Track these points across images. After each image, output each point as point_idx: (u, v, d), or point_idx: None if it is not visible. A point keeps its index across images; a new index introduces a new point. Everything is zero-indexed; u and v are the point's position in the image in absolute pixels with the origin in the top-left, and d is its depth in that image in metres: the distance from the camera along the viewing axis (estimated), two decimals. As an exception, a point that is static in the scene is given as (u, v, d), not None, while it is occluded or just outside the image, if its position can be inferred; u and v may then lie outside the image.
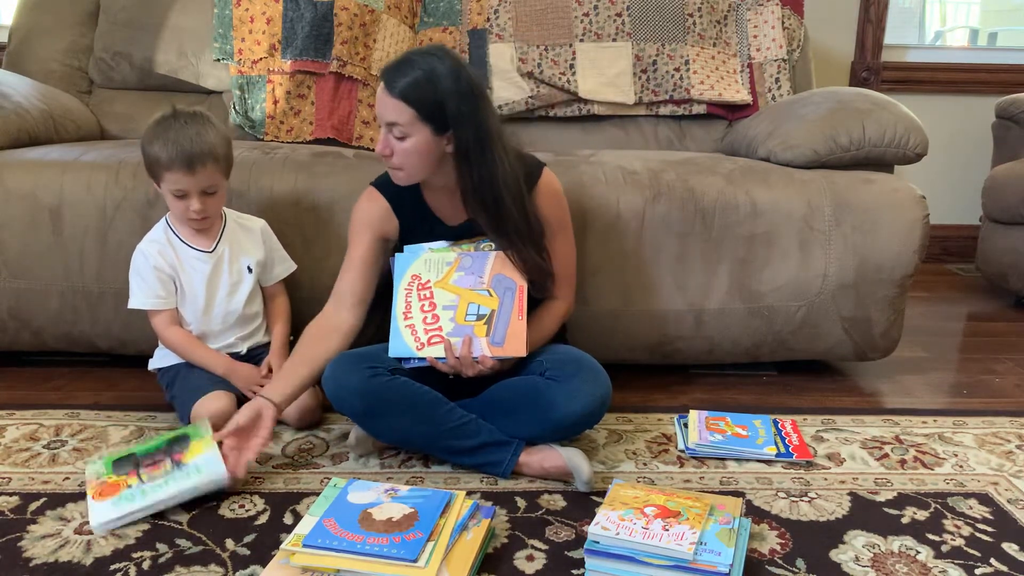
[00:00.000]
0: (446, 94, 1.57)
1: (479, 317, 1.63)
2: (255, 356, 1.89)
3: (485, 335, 1.62)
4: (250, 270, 1.87)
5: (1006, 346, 2.54)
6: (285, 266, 1.95)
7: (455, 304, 1.64)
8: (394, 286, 1.69)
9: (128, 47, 2.59)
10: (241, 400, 1.79)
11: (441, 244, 1.72)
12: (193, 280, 1.82)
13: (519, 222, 1.67)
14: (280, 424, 1.83)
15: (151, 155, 1.72)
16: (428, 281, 1.67)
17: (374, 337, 1.74)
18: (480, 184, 1.62)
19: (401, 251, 1.74)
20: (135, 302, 1.83)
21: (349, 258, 1.77)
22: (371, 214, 1.76)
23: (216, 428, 1.67)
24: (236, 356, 1.87)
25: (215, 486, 1.51)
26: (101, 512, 1.45)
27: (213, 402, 1.74)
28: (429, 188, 1.74)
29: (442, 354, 1.62)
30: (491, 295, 1.65)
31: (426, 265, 1.69)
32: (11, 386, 2.04)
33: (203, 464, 1.53)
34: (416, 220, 1.76)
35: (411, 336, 1.64)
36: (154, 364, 1.91)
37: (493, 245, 1.69)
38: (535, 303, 1.75)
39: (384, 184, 1.76)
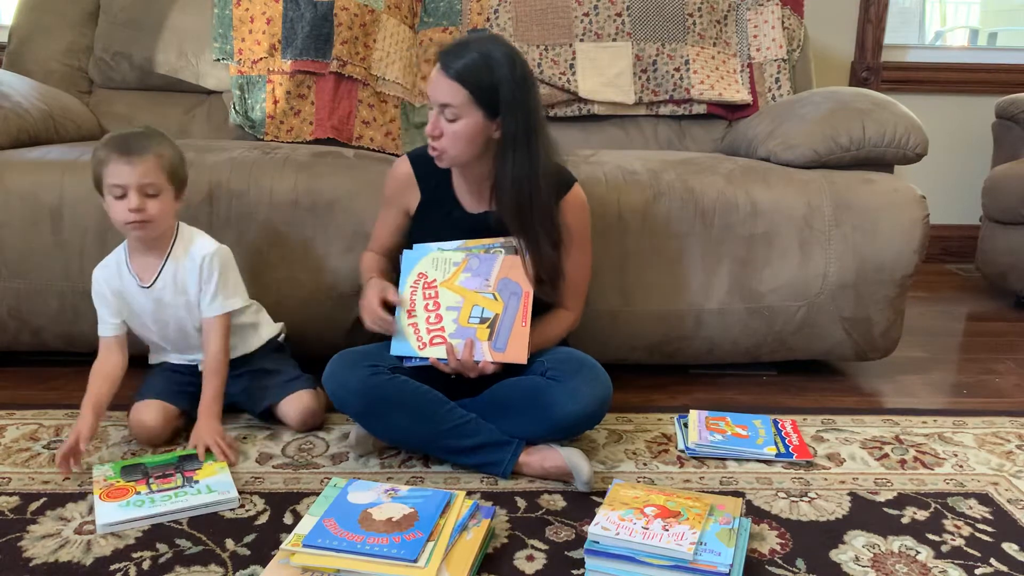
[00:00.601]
0: (502, 79, 1.58)
1: (483, 320, 1.63)
2: (237, 367, 1.83)
3: (487, 339, 1.62)
4: (192, 303, 1.77)
5: (1006, 346, 2.54)
6: (214, 306, 1.75)
7: (459, 305, 1.65)
8: (400, 283, 1.69)
9: (128, 47, 2.59)
10: (190, 411, 1.78)
11: (451, 244, 1.71)
12: (140, 312, 1.77)
13: (545, 218, 1.68)
14: (281, 426, 1.83)
15: (95, 159, 1.66)
16: (434, 281, 1.67)
17: (375, 335, 1.74)
18: (519, 174, 1.63)
19: (417, 221, 1.76)
20: (99, 329, 1.79)
21: (379, 223, 1.86)
22: (397, 182, 1.80)
23: (149, 441, 1.71)
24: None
25: (224, 508, 1.51)
26: (107, 513, 1.45)
27: (142, 412, 1.73)
28: (460, 172, 1.74)
29: (444, 355, 1.62)
30: (496, 299, 1.65)
31: (433, 264, 1.69)
32: (11, 386, 2.04)
33: (215, 485, 1.54)
34: (437, 198, 1.77)
35: (413, 335, 1.64)
36: (152, 361, 1.91)
37: (503, 250, 1.69)
38: (543, 310, 1.76)
39: (418, 156, 1.79)
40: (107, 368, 1.75)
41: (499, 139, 1.63)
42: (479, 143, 1.63)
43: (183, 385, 1.81)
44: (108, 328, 1.77)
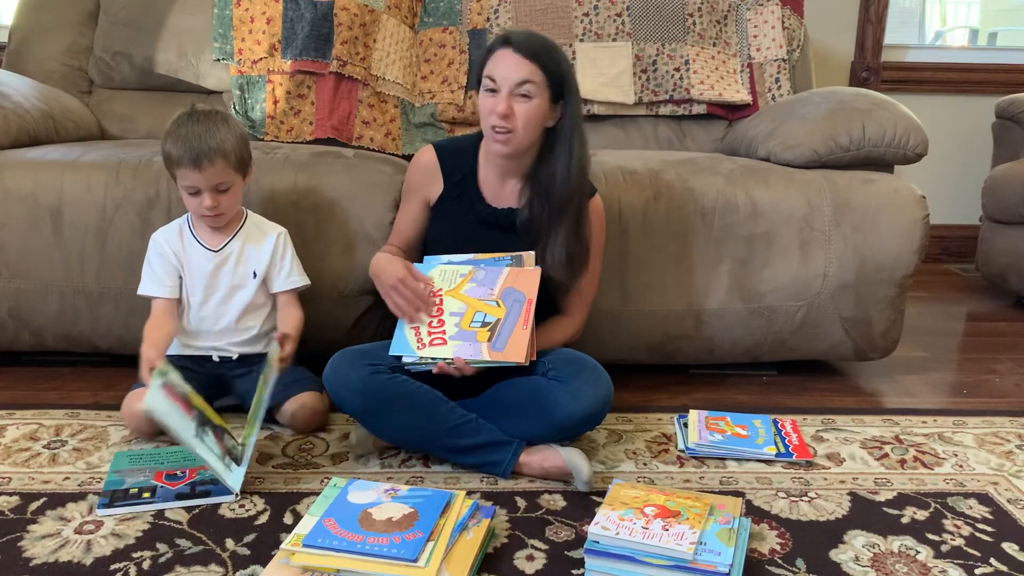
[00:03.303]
0: (566, 65, 1.66)
1: (484, 324, 1.63)
2: (251, 365, 1.84)
3: (487, 340, 1.62)
4: (255, 275, 1.83)
5: (1006, 346, 2.54)
6: (291, 280, 1.85)
7: (462, 312, 1.65)
8: None
9: (128, 47, 2.59)
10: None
11: (461, 257, 1.73)
12: (194, 275, 1.81)
13: (584, 208, 1.72)
14: (281, 426, 1.83)
15: (164, 153, 1.73)
16: (440, 290, 1.68)
17: (375, 334, 1.75)
18: (573, 161, 1.67)
19: (436, 213, 1.79)
20: (141, 288, 1.82)
21: (399, 216, 1.88)
22: (420, 171, 1.82)
23: (139, 430, 1.73)
24: (227, 360, 1.84)
25: (222, 497, 1.54)
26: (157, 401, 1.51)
27: (134, 400, 1.74)
28: (490, 164, 1.76)
29: (442, 355, 1.61)
30: (499, 306, 1.65)
31: (441, 275, 1.70)
32: (11, 386, 2.04)
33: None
34: (460, 190, 1.78)
35: (414, 337, 1.64)
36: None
37: (511, 261, 1.70)
38: (546, 316, 1.77)
39: (444, 147, 1.81)
40: (158, 324, 1.77)
41: (554, 127, 1.68)
42: (540, 129, 1.68)
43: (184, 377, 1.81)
44: (163, 288, 1.80)
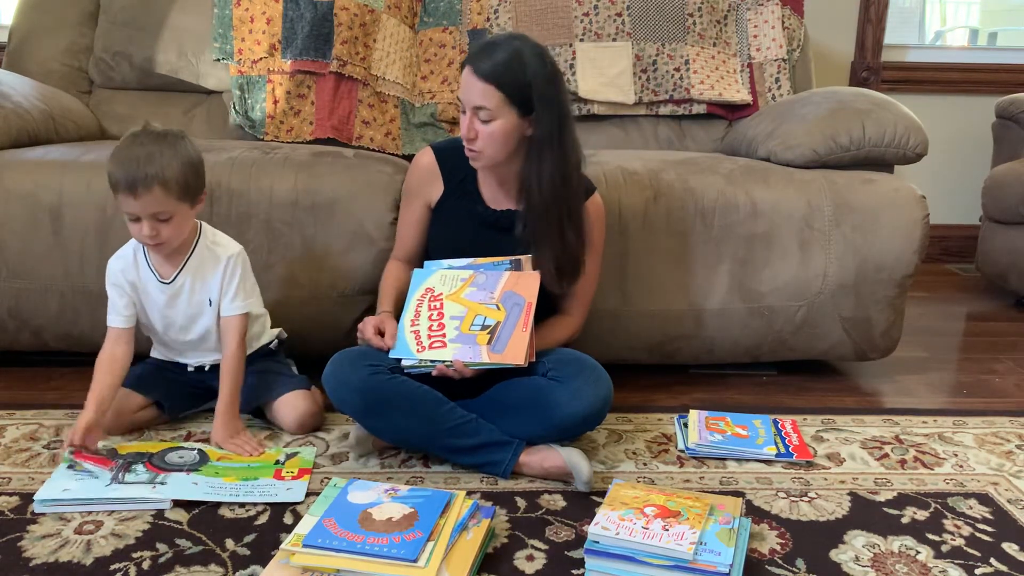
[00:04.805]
0: (533, 76, 1.60)
1: (484, 328, 1.64)
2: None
3: (486, 343, 1.62)
4: (211, 303, 1.75)
5: (1006, 346, 2.54)
6: (233, 306, 1.75)
7: (462, 315, 1.65)
8: (407, 296, 1.70)
9: (128, 47, 2.59)
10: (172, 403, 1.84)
11: (461, 262, 1.73)
12: (149, 306, 1.76)
13: (575, 212, 1.70)
14: (279, 430, 1.83)
15: (108, 172, 1.63)
16: (440, 294, 1.69)
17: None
18: (554, 169, 1.65)
19: (437, 215, 1.79)
20: (108, 320, 1.77)
21: (401, 221, 1.87)
22: (419, 174, 1.81)
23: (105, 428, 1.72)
24: (201, 369, 1.83)
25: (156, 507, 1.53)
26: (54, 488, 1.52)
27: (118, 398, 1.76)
28: (489, 170, 1.75)
29: (441, 358, 1.61)
30: (499, 309, 1.65)
31: (441, 280, 1.71)
32: (11, 386, 2.04)
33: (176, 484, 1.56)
34: (460, 192, 1.78)
35: (414, 340, 1.64)
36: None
37: (510, 265, 1.71)
38: (546, 315, 1.77)
39: (442, 148, 1.80)
40: (112, 359, 1.72)
41: (531, 136, 1.65)
42: (513, 142, 1.65)
43: (162, 380, 1.82)
44: (120, 319, 1.75)
